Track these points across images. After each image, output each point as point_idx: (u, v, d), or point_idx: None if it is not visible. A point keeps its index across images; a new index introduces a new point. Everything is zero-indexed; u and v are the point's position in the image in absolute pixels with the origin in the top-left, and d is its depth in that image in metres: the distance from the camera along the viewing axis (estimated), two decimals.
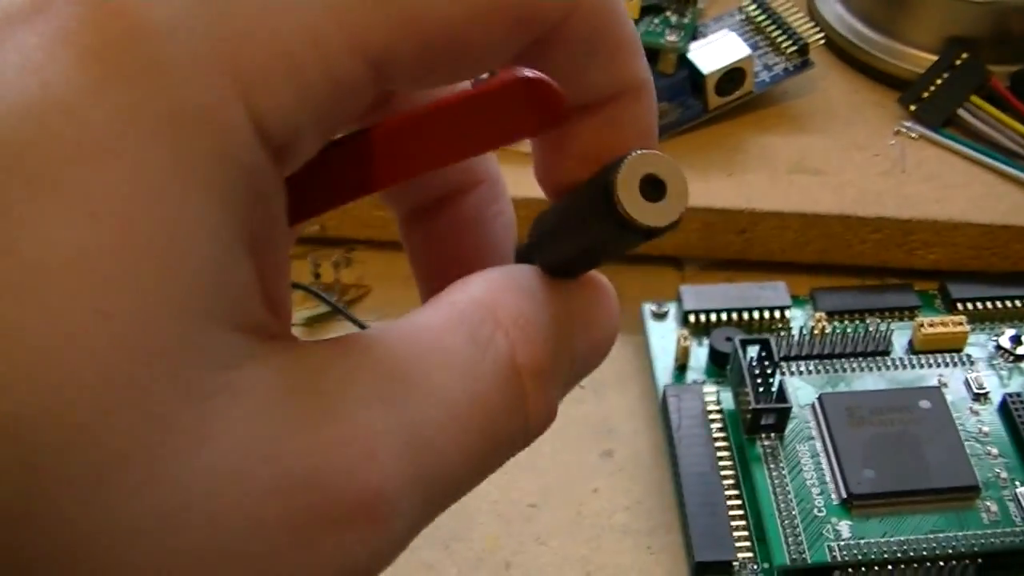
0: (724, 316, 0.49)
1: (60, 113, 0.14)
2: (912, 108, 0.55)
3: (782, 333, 0.48)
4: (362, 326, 0.49)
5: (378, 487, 0.16)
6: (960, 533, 0.41)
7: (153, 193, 0.15)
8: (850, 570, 0.40)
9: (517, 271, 0.20)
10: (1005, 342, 0.48)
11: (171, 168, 0.15)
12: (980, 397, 0.46)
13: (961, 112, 0.55)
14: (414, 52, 0.17)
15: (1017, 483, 0.43)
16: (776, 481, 0.42)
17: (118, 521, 0.15)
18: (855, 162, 0.53)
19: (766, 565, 0.41)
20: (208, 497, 0.15)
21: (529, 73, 0.18)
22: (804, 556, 0.40)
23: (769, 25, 0.56)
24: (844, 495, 0.41)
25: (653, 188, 0.18)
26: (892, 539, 0.40)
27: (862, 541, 0.40)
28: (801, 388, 0.45)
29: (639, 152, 0.18)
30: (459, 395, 0.18)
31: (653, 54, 0.54)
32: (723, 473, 0.43)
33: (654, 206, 0.18)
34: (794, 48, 0.55)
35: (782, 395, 0.43)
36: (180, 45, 0.15)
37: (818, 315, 0.49)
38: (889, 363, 0.47)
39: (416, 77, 0.18)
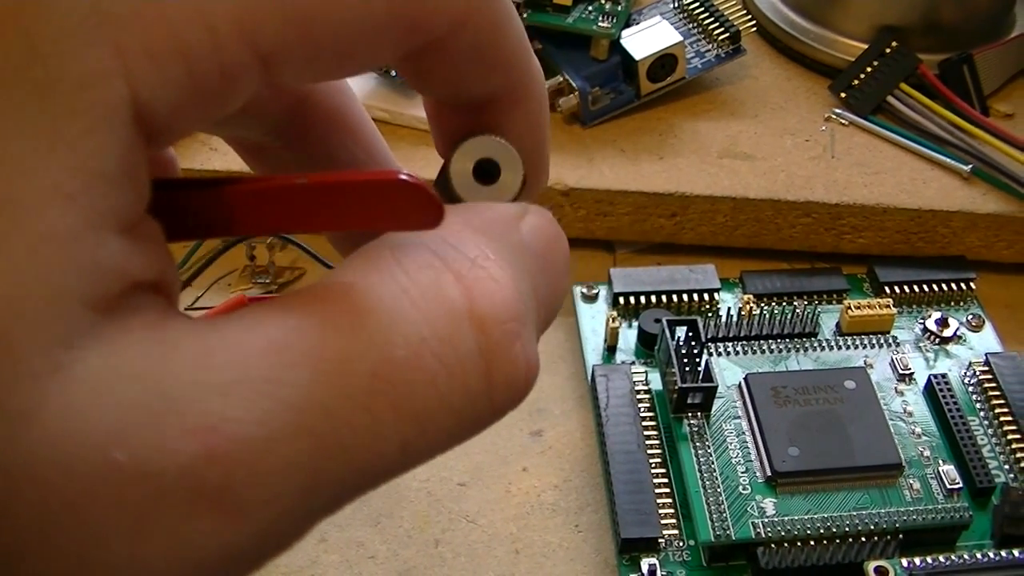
0: (653, 298, 0.49)
1: None
2: (843, 95, 0.56)
3: (710, 315, 0.49)
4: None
5: (219, 483, 0.15)
6: (883, 510, 0.41)
7: (7, 160, 0.14)
8: (773, 546, 0.40)
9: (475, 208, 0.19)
10: (931, 325, 0.49)
11: (33, 135, 0.15)
12: (905, 378, 0.46)
13: (891, 99, 0.56)
14: (304, 50, 0.17)
15: (940, 461, 0.43)
16: (702, 459, 0.43)
17: None
18: (785, 147, 0.54)
19: (691, 542, 0.41)
20: (33, 485, 0.14)
21: (406, 177, 0.17)
22: (729, 532, 0.40)
23: (701, 12, 0.56)
24: (769, 473, 0.42)
25: (488, 171, 0.19)
26: (816, 516, 0.41)
27: (786, 518, 0.40)
28: (728, 369, 0.46)
29: (474, 138, 0.19)
30: (366, 367, 0.16)
31: (586, 40, 0.54)
32: (650, 452, 0.43)
33: (485, 188, 0.19)
34: (726, 35, 0.56)
35: (708, 375, 0.43)
36: (63, 17, 0.15)
37: (746, 297, 0.49)
38: (816, 345, 0.47)
39: (302, 73, 0.18)
